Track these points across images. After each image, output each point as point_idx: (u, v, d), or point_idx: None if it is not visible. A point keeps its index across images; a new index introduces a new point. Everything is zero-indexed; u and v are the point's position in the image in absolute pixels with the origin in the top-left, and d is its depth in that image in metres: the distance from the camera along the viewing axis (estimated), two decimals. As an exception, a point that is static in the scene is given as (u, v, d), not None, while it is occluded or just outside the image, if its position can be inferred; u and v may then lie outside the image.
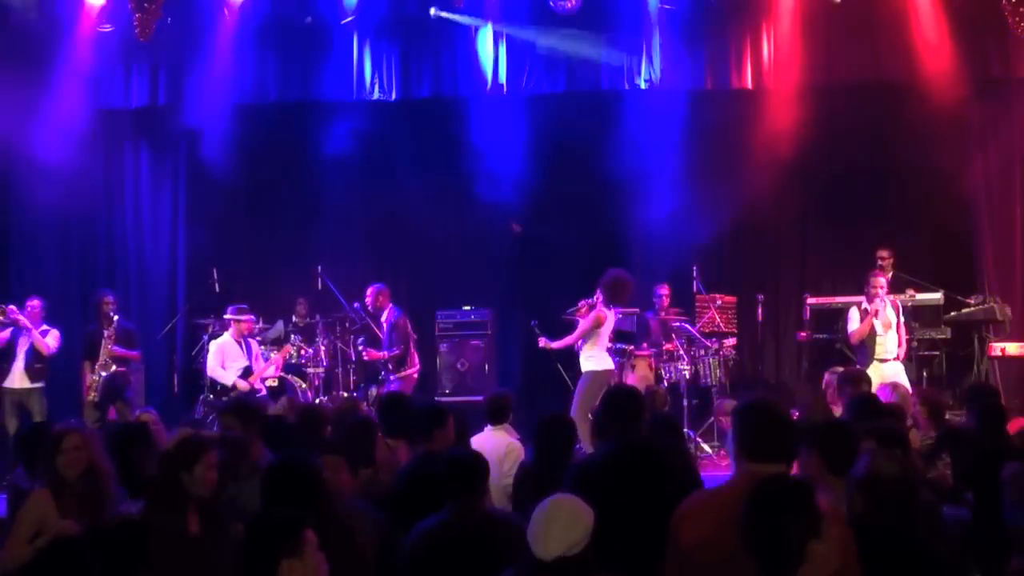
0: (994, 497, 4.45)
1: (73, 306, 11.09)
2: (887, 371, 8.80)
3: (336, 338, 10.83)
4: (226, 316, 9.72)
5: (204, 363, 10.62)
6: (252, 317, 9.80)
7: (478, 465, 4.21)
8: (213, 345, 9.67)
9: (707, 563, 3.19)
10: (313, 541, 3.03)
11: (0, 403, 9.58)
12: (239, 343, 9.61)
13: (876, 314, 8.99)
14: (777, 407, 3.43)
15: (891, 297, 9.33)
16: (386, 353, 10.02)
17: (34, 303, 9.70)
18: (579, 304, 9.33)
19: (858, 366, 8.74)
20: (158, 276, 11.66)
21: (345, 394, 10.42)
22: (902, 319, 9.25)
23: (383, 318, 10.15)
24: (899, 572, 3.25)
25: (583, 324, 8.94)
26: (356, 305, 10.61)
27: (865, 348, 9.08)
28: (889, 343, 9.05)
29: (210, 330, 10.66)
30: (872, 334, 9.02)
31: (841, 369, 7.92)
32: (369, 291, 10.13)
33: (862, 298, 9.22)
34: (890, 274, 10.10)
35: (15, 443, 6.25)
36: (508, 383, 10.66)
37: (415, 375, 10.23)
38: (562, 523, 3.25)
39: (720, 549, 3.03)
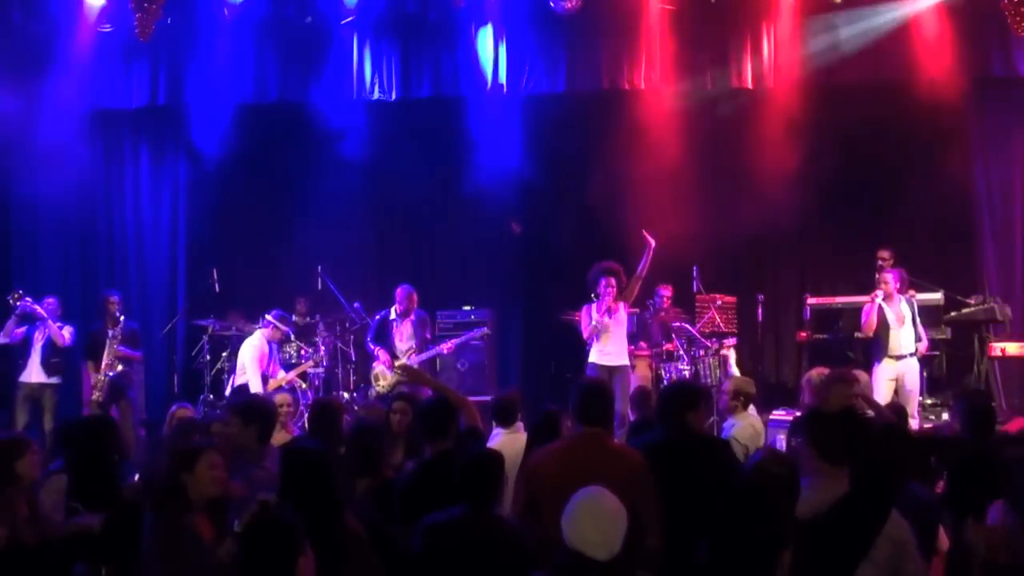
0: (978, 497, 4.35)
1: (74, 306, 11.08)
2: (900, 367, 8.86)
3: (336, 338, 10.82)
4: (267, 317, 9.49)
5: (204, 363, 10.63)
6: (289, 331, 9.75)
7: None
8: (255, 341, 9.37)
9: (552, 501, 3.68)
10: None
11: (13, 397, 9.60)
12: (270, 347, 9.46)
13: (874, 300, 9.06)
14: (600, 386, 4.59)
15: (907, 294, 9.36)
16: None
17: (50, 300, 9.79)
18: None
19: (875, 361, 8.83)
20: (158, 276, 11.66)
21: (346, 394, 10.43)
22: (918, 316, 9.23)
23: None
24: None
25: (625, 317, 9.02)
26: (356, 305, 10.60)
27: (878, 343, 9.07)
28: (903, 338, 9.03)
29: (210, 330, 10.65)
30: (885, 328, 9.02)
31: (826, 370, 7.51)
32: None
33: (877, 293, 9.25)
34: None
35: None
36: (508, 383, 10.65)
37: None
38: (611, 520, 3.19)
39: (564, 489, 3.55)
